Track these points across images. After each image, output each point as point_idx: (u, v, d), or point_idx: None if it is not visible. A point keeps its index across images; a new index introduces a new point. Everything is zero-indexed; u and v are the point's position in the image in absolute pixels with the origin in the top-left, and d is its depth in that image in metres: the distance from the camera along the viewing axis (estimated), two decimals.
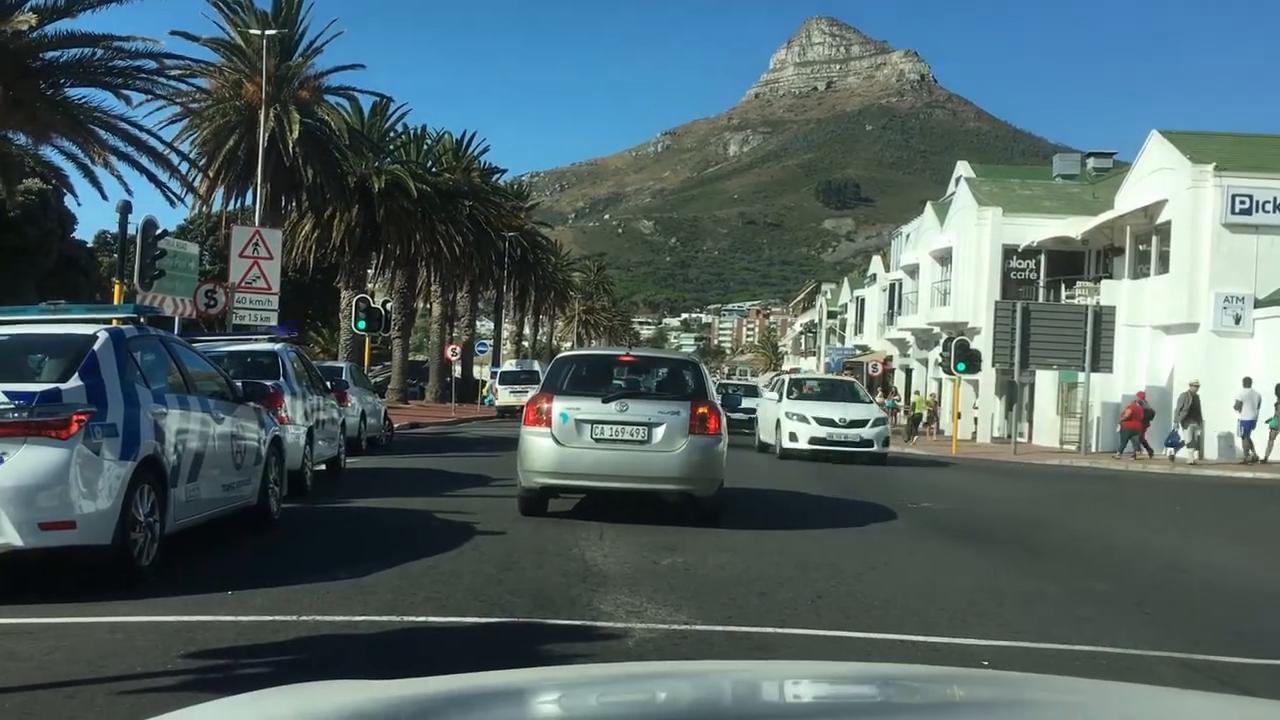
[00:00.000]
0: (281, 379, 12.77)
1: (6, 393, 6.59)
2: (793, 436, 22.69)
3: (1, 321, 8.34)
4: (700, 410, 10.75)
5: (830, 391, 25.73)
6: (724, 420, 11.29)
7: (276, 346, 13.82)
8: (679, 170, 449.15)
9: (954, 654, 5.79)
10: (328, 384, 15.59)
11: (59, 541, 6.54)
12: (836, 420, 22.69)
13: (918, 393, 40.79)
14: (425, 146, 50.02)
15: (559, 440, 10.60)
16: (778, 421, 23.41)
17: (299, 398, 13.06)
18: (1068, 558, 10.07)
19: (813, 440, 22.42)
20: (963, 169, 52.24)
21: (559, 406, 10.74)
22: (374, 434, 20.67)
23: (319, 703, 1.75)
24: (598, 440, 10.63)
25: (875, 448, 22.74)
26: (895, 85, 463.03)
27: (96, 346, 7.22)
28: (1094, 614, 7.18)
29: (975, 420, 40.09)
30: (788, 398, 23.87)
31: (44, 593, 6.58)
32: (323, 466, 14.53)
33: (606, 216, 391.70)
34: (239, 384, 9.53)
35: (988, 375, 36.58)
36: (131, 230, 17.75)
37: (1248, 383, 27.83)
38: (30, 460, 6.40)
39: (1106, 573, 9.14)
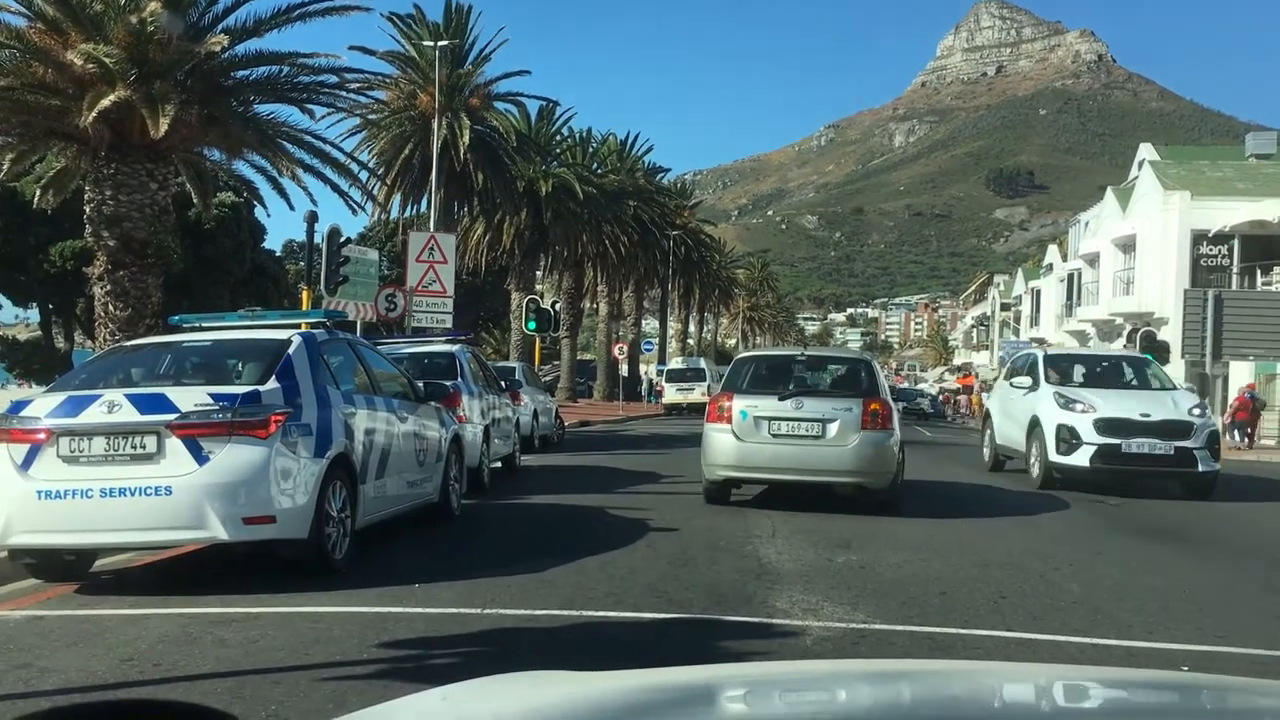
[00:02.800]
0: (459, 379, 13.16)
1: (211, 395, 7.01)
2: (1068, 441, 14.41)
3: (205, 328, 8.89)
4: (873, 406, 11.25)
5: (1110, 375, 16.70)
6: (896, 416, 11.79)
7: (454, 348, 14.26)
8: (843, 164, 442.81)
9: (1151, 659, 5.54)
10: (502, 383, 15.99)
11: (260, 535, 6.93)
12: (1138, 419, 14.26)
13: None
14: (590, 149, 50.72)
15: (739, 436, 11.25)
16: (1034, 421, 15.21)
17: (476, 397, 13.43)
18: (1271, 558, 9.50)
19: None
20: (1146, 152, 49.80)
21: (739, 404, 11.40)
22: (546, 432, 21.07)
23: (529, 693, 1.80)
24: (775, 435, 11.24)
25: (1200, 468, 14.15)
26: (1070, 67, 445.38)
27: (291, 350, 7.60)
28: None
29: None
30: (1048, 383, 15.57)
31: (247, 584, 6.97)
32: (499, 464, 14.91)
33: (769, 213, 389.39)
34: (420, 384, 9.87)
35: (1176, 367, 34.79)
36: (317, 239, 18.60)
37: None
38: (234, 458, 6.80)
39: None
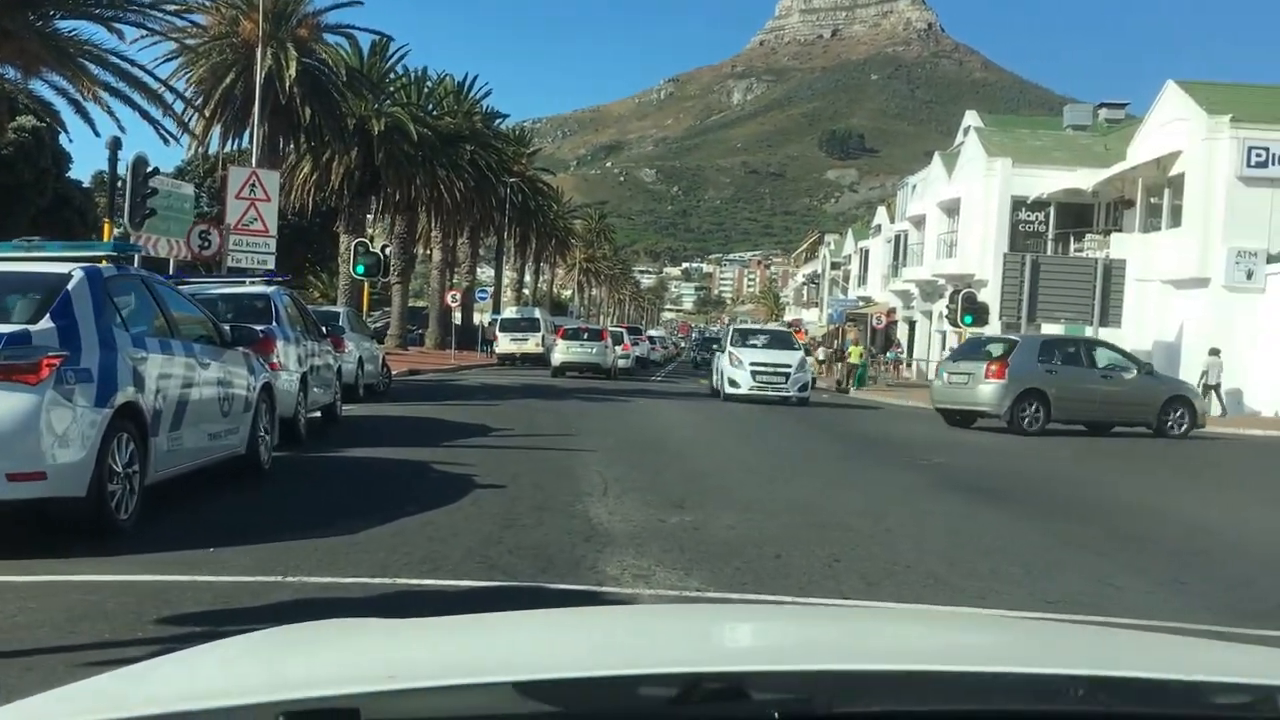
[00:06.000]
0: (274, 323, 12.27)
1: None
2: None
3: None
4: (992, 366, 19.48)
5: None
6: (1020, 371, 19.29)
7: (269, 289, 13.30)
8: (682, 118, 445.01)
9: None
10: (323, 329, 15.11)
11: (29, 494, 6.13)
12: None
13: (854, 343, 39.86)
14: (426, 89, 49.04)
15: (937, 381, 21.28)
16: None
17: (293, 343, 12.58)
18: (1091, 519, 9.67)
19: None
20: (971, 119, 51.36)
21: (942, 365, 22.13)
22: (372, 381, 20.24)
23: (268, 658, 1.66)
24: (949, 382, 20.71)
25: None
26: (902, 34, 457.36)
27: (70, 286, 6.76)
28: (1127, 582, 6.79)
29: None
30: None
31: (17, 549, 6.18)
32: (318, 414, 14.13)
33: (608, 164, 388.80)
34: (227, 328, 9.08)
35: (993, 329, 36.10)
36: (122, 168, 17.23)
37: (1215, 353, 29.35)
38: None
39: (1131, 535, 8.76)
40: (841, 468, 12.64)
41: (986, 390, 19.32)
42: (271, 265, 22.27)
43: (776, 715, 1.14)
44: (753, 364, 24.24)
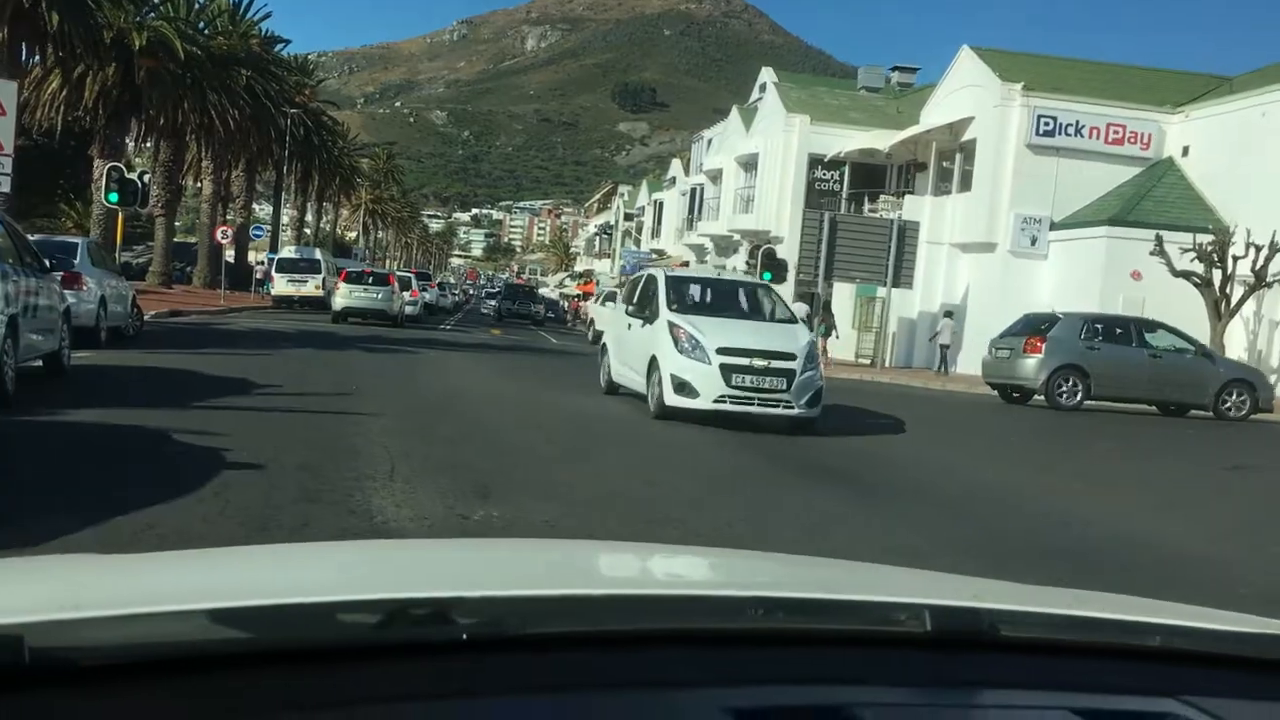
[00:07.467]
0: None
1: None
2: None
3: None
4: (1033, 340, 20.52)
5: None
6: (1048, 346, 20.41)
7: None
8: (475, 61, 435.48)
9: None
10: (47, 262, 12.67)
11: None
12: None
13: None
14: (197, 5, 45.01)
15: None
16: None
17: (1, 278, 10.30)
18: (915, 496, 8.77)
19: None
20: (768, 75, 51.06)
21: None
22: (117, 323, 17.70)
23: None
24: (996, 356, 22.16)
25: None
26: None
27: None
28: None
29: None
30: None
31: None
32: (39, 363, 11.85)
33: (398, 104, 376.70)
34: None
35: (788, 286, 35.92)
36: None
37: (948, 314, 31.67)
38: None
39: (955, 511, 7.91)
40: (667, 446, 11.37)
41: (1025, 364, 19.96)
42: (7, 188, 19.34)
43: (465, 636, 1.16)
44: (722, 352, 12.39)
